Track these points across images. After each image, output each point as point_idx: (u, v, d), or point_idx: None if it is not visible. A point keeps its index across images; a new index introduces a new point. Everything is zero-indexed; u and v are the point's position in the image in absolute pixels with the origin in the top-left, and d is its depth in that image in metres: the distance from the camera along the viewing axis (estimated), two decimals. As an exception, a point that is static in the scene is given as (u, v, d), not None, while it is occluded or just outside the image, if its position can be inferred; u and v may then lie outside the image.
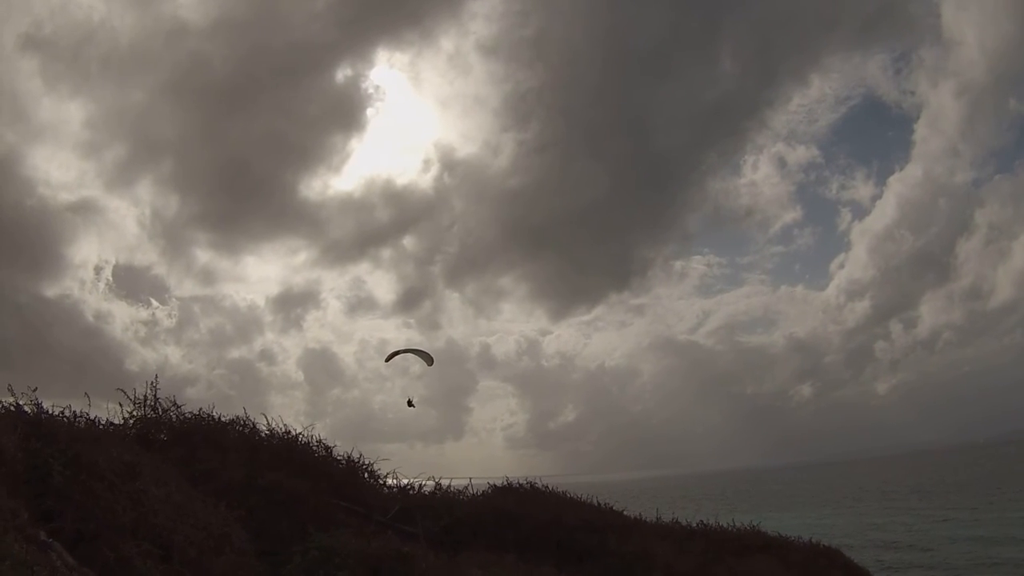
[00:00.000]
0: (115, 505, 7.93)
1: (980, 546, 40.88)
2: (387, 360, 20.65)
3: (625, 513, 19.32)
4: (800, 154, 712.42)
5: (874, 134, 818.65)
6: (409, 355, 20.69)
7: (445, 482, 17.30)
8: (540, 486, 18.40)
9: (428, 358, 20.49)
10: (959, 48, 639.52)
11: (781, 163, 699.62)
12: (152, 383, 13.74)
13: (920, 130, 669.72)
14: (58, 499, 7.70)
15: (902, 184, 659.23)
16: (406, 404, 22.15)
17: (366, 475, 15.90)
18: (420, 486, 16.91)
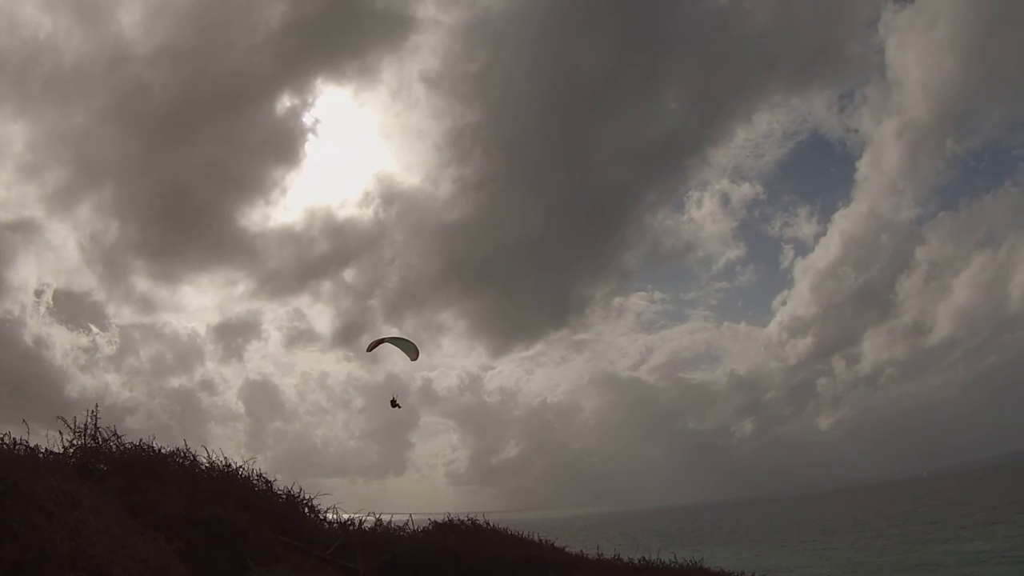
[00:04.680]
0: (54, 535, 7.91)
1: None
2: (369, 349, 20.55)
3: (567, 550, 19.58)
4: (744, 191, 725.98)
5: (818, 171, 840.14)
6: (391, 346, 20.51)
7: (386, 518, 17.37)
8: (481, 523, 18.57)
9: (413, 352, 20.39)
10: (902, 86, 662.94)
11: (724, 200, 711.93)
12: (93, 412, 13.65)
13: (863, 168, 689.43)
14: (-4, 529, 7.68)
15: (846, 221, 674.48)
16: (390, 404, 21.79)
17: (307, 510, 15.89)
18: (361, 522, 16.91)
